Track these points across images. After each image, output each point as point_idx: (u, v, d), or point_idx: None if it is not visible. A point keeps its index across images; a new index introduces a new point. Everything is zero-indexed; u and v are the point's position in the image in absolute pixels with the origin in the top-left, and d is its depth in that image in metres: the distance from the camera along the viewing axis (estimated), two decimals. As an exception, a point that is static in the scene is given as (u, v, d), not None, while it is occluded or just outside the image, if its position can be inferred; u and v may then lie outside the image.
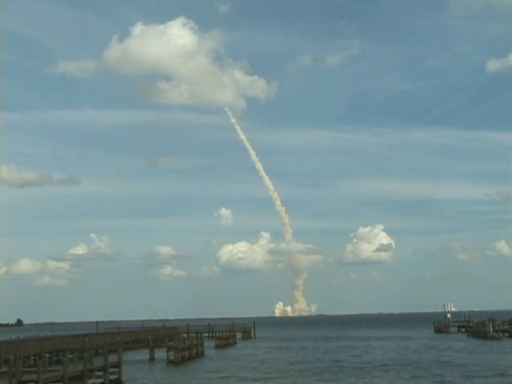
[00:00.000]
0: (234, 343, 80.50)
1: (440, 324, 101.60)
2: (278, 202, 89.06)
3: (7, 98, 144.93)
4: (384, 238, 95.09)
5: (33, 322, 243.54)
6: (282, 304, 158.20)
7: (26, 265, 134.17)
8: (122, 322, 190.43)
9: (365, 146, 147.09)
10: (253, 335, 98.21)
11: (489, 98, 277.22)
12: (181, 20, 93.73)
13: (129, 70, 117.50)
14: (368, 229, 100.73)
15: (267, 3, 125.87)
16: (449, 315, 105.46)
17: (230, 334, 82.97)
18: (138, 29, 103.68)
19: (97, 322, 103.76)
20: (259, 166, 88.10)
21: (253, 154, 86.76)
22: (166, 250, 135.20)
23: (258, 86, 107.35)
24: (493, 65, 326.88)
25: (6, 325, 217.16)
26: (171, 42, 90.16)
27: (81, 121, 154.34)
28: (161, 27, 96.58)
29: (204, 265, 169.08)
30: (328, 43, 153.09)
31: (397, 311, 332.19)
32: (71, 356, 38.04)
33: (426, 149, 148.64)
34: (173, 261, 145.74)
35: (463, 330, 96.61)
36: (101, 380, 37.17)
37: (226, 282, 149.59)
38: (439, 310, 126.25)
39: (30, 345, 49.24)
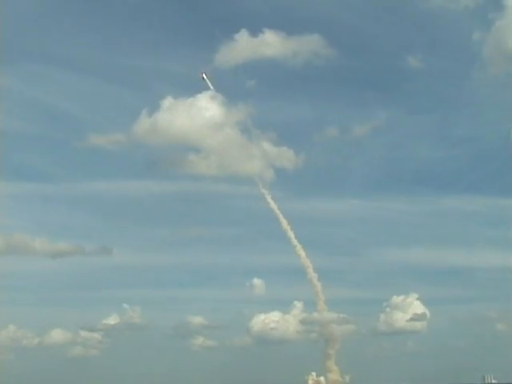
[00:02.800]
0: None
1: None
2: (310, 270, 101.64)
3: (39, 171, 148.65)
4: (418, 307, 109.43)
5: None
6: (314, 374, 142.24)
7: (58, 335, 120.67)
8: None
9: (396, 214, 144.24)
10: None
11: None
12: (209, 93, 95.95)
13: (158, 142, 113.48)
14: (401, 298, 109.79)
15: (293, 76, 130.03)
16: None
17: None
18: (167, 102, 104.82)
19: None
20: (291, 234, 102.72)
21: (284, 222, 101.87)
22: (197, 320, 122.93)
23: (287, 157, 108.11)
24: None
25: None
26: (199, 115, 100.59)
27: (112, 192, 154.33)
28: (190, 100, 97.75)
29: (236, 335, 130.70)
30: (355, 114, 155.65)
31: (433, 383, 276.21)
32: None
33: (458, 216, 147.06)
34: (204, 331, 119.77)
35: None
36: None
37: (258, 352, 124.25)
38: (478, 383, 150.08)
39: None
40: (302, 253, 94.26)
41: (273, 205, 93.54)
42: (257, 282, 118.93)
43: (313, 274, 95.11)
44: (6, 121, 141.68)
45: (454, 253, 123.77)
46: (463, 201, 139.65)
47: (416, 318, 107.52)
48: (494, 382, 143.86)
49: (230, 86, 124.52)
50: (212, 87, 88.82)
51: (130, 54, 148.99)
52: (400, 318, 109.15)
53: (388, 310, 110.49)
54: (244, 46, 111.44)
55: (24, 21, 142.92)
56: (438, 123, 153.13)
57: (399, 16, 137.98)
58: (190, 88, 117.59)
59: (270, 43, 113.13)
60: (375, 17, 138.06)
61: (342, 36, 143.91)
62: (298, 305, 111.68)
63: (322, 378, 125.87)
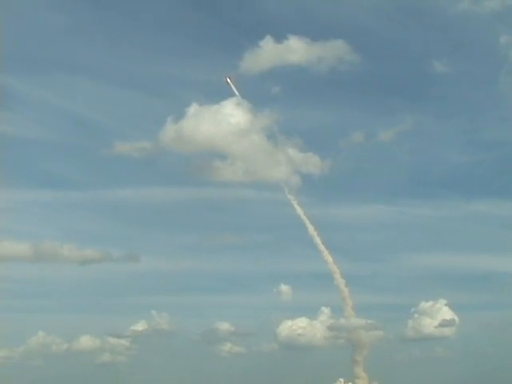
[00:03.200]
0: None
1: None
2: (338, 275, 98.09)
3: (66, 179, 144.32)
4: (447, 313, 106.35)
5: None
6: (342, 381, 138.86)
7: (86, 341, 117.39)
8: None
9: (423, 219, 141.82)
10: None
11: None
12: (234, 100, 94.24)
13: (184, 150, 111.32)
14: (430, 303, 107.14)
15: (318, 82, 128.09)
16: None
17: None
18: (193, 109, 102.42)
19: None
20: (317, 239, 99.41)
21: (311, 228, 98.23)
22: (225, 326, 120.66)
23: (312, 163, 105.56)
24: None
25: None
26: (225, 121, 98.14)
27: (139, 199, 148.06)
28: (215, 107, 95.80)
29: (263, 341, 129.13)
30: (380, 119, 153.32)
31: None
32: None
33: (487, 221, 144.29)
34: (232, 337, 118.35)
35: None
36: None
37: (286, 359, 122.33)
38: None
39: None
40: (329, 258, 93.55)
41: (299, 210, 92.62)
42: (284, 288, 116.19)
43: (340, 280, 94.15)
44: (34, 130, 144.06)
45: (483, 258, 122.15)
46: (491, 205, 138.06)
47: (445, 323, 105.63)
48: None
49: (256, 93, 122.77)
50: (237, 92, 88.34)
51: (154, 62, 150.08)
52: (428, 324, 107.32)
53: (416, 315, 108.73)
54: (269, 53, 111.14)
55: (53, 32, 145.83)
56: (465, 127, 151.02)
57: (424, 20, 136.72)
58: (216, 95, 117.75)
59: (295, 49, 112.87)
60: (400, 22, 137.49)
61: (367, 41, 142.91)
62: (326, 311, 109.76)
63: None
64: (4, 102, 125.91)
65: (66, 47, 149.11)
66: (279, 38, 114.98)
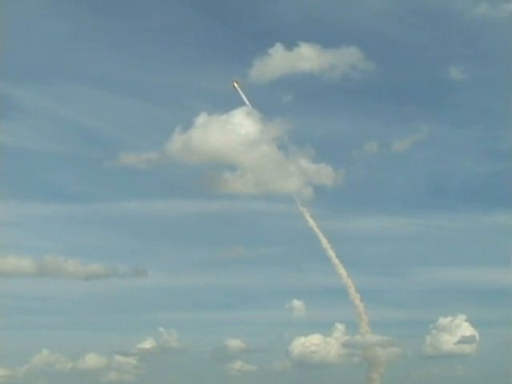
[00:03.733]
0: None
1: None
2: (352, 290, 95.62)
3: (70, 191, 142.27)
4: (467, 329, 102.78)
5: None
6: None
7: (92, 360, 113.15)
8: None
9: (440, 232, 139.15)
10: None
11: None
12: (244, 109, 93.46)
13: (192, 161, 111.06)
14: (449, 319, 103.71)
15: (330, 90, 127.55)
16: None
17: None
18: (201, 118, 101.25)
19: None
20: (331, 252, 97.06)
21: (324, 240, 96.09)
22: (235, 343, 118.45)
23: (325, 173, 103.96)
24: None
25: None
26: (235, 131, 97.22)
27: (145, 212, 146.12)
28: (224, 116, 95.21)
29: (275, 359, 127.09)
30: (394, 128, 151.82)
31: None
32: None
33: (506, 233, 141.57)
34: (243, 354, 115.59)
35: None
36: None
37: (299, 377, 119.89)
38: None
39: None
40: (343, 272, 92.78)
41: (312, 223, 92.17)
42: (296, 303, 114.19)
43: (355, 295, 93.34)
44: (35, 140, 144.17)
45: (503, 272, 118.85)
46: (510, 217, 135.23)
47: (464, 340, 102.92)
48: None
49: (266, 102, 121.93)
50: (245, 99, 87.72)
51: (161, 70, 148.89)
52: (447, 341, 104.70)
53: (434, 332, 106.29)
54: (279, 60, 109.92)
55: (55, 40, 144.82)
56: (482, 136, 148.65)
57: (440, 25, 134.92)
58: (225, 104, 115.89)
59: (306, 56, 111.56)
60: (414, 27, 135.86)
61: (381, 48, 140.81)
62: (340, 327, 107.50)
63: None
64: (4, 112, 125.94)
65: (68, 55, 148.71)
66: (290, 45, 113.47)
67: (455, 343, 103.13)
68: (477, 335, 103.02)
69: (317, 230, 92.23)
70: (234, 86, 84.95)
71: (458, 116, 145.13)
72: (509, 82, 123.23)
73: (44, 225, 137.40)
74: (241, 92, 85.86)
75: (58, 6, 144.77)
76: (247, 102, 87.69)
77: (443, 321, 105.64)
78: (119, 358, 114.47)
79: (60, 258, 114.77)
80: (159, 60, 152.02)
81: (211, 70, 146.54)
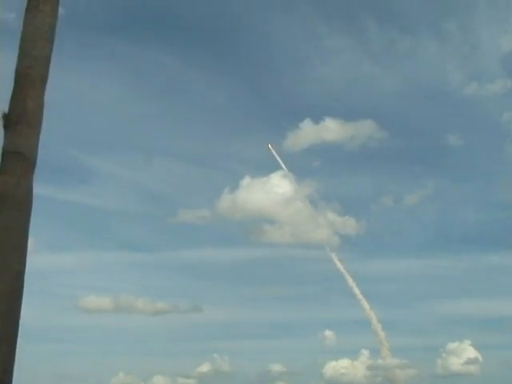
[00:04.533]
0: None
1: None
2: (374, 321, 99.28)
3: (141, 242, 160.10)
4: (471, 352, 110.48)
5: None
6: None
7: (159, 381, 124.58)
8: None
9: (447, 271, 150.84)
10: None
11: None
12: (280, 172, 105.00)
13: (238, 216, 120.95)
14: (456, 344, 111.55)
15: (352, 157, 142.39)
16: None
17: None
18: (245, 181, 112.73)
19: None
20: (356, 290, 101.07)
21: (350, 280, 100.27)
22: (277, 367, 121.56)
23: (349, 224, 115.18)
24: None
25: None
26: (273, 191, 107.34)
27: (202, 258, 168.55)
28: (264, 179, 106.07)
29: (311, 380, 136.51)
30: (406, 185, 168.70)
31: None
32: None
33: (503, 270, 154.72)
34: (284, 376, 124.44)
35: None
36: None
37: None
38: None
39: None
40: (367, 306, 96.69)
41: (339, 266, 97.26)
42: (328, 333, 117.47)
43: (377, 325, 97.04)
44: (113, 201, 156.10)
45: (502, 302, 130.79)
46: (505, 257, 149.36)
47: (469, 361, 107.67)
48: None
49: (299, 166, 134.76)
50: (281, 162, 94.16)
51: (213, 141, 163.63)
52: (455, 362, 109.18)
53: (444, 355, 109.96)
54: (308, 133, 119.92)
55: (128, 120, 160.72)
56: (479, 190, 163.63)
57: (439, 102, 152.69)
58: (265, 168, 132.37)
59: (331, 129, 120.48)
60: (419, 103, 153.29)
61: (392, 121, 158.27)
62: (365, 352, 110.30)
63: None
64: (89, 179, 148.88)
65: (138, 131, 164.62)
66: (317, 119, 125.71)
67: (462, 364, 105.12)
68: (480, 357, 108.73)
69: (344, 272, 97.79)
70: (268, 147, 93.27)
71: (457, 174, 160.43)
72: (496, 145, 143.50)
73: (119, 270, 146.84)
74: (275, 153, 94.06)
75: (131, 93, 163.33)
76: (283, 166, 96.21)
77: (451, 345, 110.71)
78: (181, 380, 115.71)
79: (132, 297, 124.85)
80: (212, 133, 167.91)
81: (253, 141, 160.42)
